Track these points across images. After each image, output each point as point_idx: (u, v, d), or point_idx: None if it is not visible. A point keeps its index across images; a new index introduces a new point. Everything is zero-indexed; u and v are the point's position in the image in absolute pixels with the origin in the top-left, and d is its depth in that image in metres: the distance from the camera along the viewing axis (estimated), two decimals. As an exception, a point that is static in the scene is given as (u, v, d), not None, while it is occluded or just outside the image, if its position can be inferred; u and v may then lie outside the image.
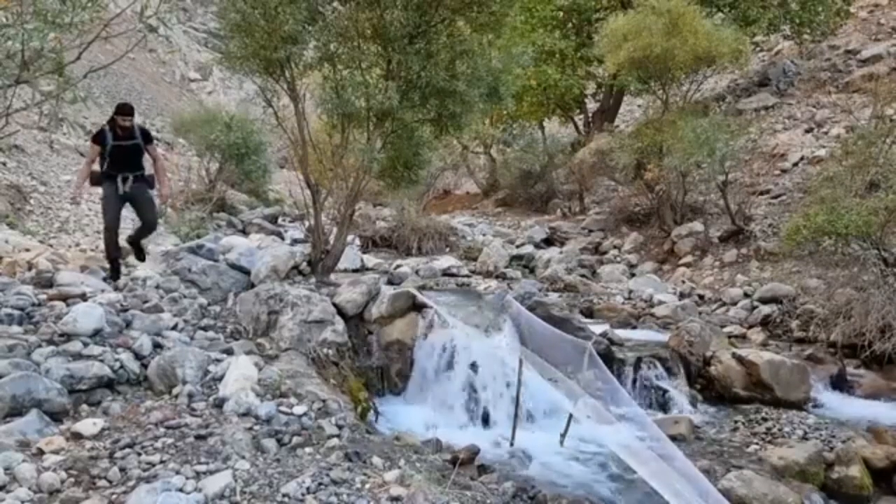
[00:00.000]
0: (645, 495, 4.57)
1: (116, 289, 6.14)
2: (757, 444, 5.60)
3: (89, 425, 3.90)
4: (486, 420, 6.01)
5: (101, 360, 4.51)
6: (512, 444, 5.48)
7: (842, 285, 7.75)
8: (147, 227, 6.70)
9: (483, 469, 4.66)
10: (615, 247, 13.31)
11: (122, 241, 6.74)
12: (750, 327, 8.63)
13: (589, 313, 8.98)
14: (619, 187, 15.40)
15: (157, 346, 4.98)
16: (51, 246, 8.52)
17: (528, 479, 4.71)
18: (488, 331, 6.47)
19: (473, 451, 4.82)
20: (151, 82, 27.35)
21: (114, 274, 6.52)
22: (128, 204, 6.50)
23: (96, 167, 6.41)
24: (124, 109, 6.37)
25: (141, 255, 7.00)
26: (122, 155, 6.30)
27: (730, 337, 8.04)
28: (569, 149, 18.49)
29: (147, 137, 6.53)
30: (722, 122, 11.32)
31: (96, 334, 4.80)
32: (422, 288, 7.88)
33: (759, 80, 17.33)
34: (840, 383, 7.01)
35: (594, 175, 15.99)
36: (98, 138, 6.38)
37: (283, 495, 3.39)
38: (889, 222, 7.26)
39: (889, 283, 7.17)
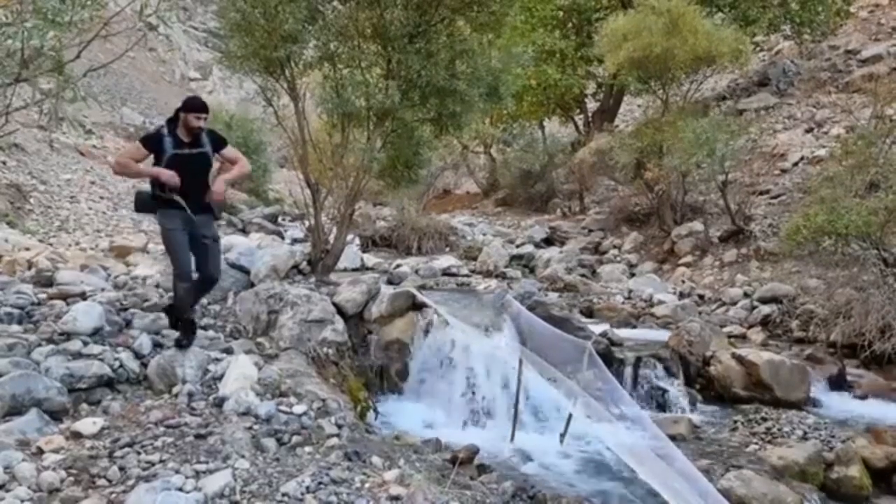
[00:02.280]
0: (644, 495, 4.56)
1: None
2: (756, 443, 5.59)
3: (89, 424, 3.90)
4: (485, 419, 6.00)
5: (101, 359, 4.50)
6: (512, 444, 5.48)
7: (842, 285, 7.75)
8: (209, 283, 4.98)
9: (482, 468, 4.64)
10: (615, 246, 13.32)
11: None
12: (750, 327, 8.64)
13: (589, 313, 9.00)
14: (619, 187, 15.40)
15: (157, 346, 4.97)
16: (50, 245, 8.53)
17: (528, 479, 4.70)
18: (488, 330, 6.46)
19: (473, 451, 4.80)
20: (151, 81, 27.36)
21: (188, 335, 4.84)
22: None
23: (145, 185, 4.82)
24: (197, 105, 4.56)
25: (190, 331, 4.88)
26: (185, 170, 4.52)
27: (729, 337, 8.05)
28: (569, 148, 18.51)
29: (219, 143, 4.78)
30: (722, 122, 11.33)
31: (96, 333, 4.79)
32: (421, 287, 7.87)
33: (759, 79, 17.34)
34: (840, 383, 7.01)
35: (594, 175, 16.00)
36: (151, 143, 4.57)
37: (283, 494, 3.39)
38: (889, 222, 7.27)
39: (889, 284, 7.17)
